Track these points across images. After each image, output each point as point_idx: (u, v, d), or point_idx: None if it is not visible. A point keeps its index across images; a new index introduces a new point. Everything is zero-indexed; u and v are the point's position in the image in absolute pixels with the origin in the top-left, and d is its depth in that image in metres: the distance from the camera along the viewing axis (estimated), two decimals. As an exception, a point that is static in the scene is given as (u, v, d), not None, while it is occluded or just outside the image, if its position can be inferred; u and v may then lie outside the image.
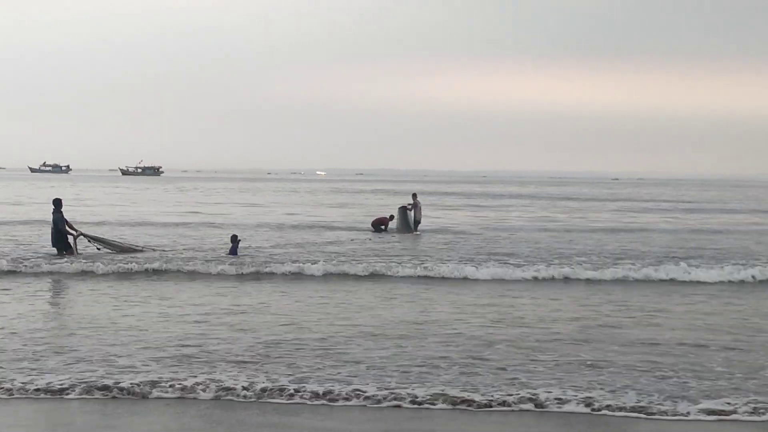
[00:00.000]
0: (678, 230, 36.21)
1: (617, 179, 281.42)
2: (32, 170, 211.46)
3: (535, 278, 19.61)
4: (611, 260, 22.49)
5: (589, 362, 10.70)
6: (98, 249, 23.35)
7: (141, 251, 23.90)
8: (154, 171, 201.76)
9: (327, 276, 19.71)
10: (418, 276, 19.74)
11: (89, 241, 23.59)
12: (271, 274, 19.74)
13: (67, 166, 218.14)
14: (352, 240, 28.69)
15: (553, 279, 19.65)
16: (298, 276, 19.64)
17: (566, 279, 19.58)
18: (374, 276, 19.72)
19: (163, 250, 24.35)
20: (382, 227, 32.70)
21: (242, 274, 19.72)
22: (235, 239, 23.94)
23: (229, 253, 23.35)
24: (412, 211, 32.62)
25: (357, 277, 19.53)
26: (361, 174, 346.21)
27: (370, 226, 33.54)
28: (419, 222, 32.62)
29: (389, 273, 19.99)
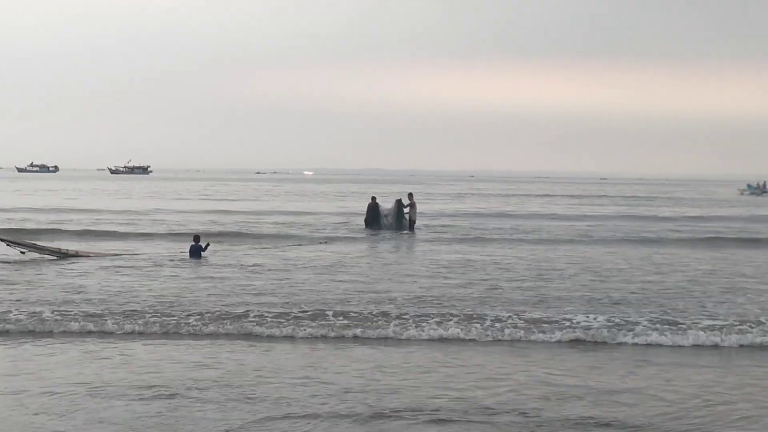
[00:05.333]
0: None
1: (605, 179, 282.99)
2: (19, 170, 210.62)
3: None
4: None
5: None
6: (22, 252, 21.78)
7: (76, 256, 22.34)
8: (143, 170, 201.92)
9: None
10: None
11: (8, 244, 21.94)
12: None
13: (55, 167, 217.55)
14: (323, 242, 27.85)
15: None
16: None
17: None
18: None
19: (119, 254, 23.06)
20: (370, 218, 33.13)
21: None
22: (197, 240, 22.73)
23: (191, 257, 22.13)
24: (410, 211, 32.94)
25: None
26: (359, 174, 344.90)
27: (363, 223, 33.92)
28: (414, 222, 32.93)
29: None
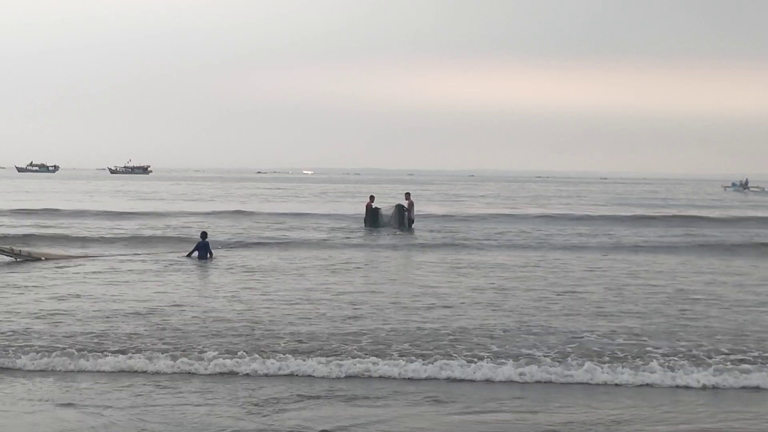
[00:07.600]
0: None
1: (605, 178, 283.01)
2: (19, 170, 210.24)
3: None
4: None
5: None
6: None
7: (30, 258, 20.44)
8: (143, 170, 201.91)
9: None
10: None
11: None
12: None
13: (55, 166, 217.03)
14: (324, 240, 27.32)
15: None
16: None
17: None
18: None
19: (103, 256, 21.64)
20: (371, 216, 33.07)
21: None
22: (205, 236, 21.62)
23: (198, 257, 20.88)
24: (408, 211, 32.95)
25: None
26: (358, 174, 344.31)
27: (363, 222, 33.81)
28: (413, 221, 32.93)
29: None
